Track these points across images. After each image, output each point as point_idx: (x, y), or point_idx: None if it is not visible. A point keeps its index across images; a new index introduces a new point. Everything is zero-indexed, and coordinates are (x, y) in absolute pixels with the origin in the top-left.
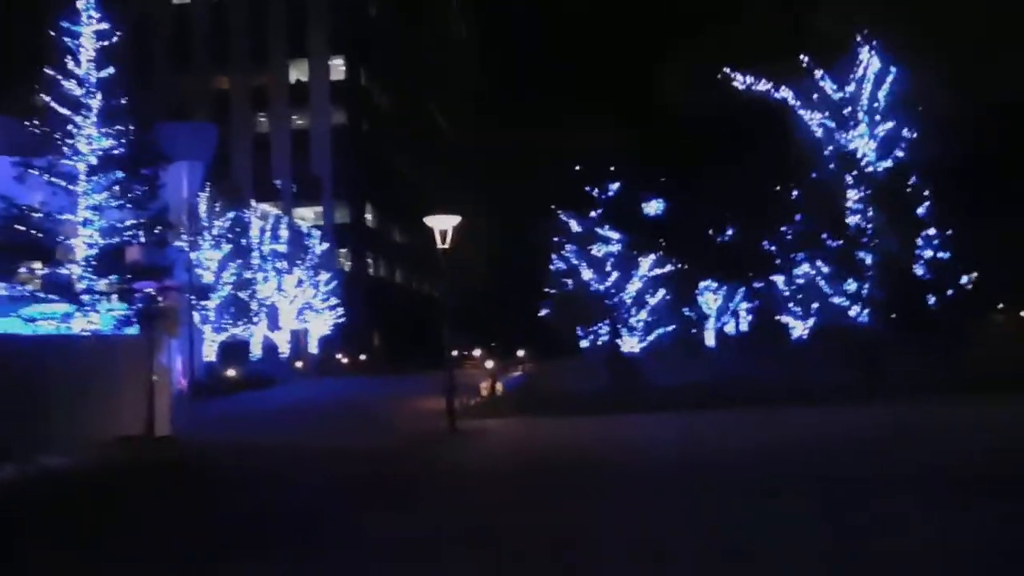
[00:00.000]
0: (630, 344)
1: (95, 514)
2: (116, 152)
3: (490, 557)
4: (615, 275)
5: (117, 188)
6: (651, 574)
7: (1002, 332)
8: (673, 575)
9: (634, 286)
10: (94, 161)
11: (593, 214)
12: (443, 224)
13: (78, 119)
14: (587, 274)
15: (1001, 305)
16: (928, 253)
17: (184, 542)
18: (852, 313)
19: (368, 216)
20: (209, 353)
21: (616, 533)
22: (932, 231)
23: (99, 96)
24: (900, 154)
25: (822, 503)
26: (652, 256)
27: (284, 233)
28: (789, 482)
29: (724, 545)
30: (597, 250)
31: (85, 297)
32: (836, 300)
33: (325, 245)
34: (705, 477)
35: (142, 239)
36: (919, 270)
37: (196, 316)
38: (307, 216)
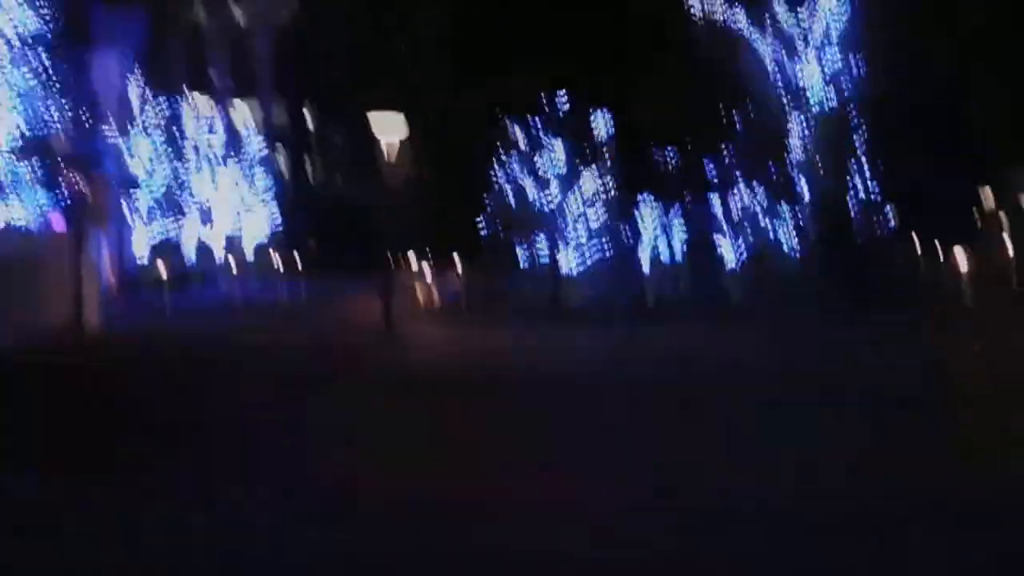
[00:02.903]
0: (567, 259)
1: (16, 399)
2: (41, 33)
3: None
4: (557, 189)
5: (43, 73)
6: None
7: (918, 268)
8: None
9: (575, 201)
10: (17, 42)
11: (540, 124)
12: (387, 124)
13: None
14: (529, 187)
15: (919, 242)
16: (860, 188)
17: (109, 430)
18: (784, 241)
19: (308, 116)
20: (139, 250)
21: (525, 430)
22: (866, 167)
23: None
24: (846, 89)
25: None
26: (596, 172)
27: (220, 129)
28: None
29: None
30: (541, 163)
31: (7, 186)
32: (770, 228)
33: (263, 144)
34: (623, 386)
35: (70, 127)
36: (851, 204)
37: (126, 210)
38: (245, 112)
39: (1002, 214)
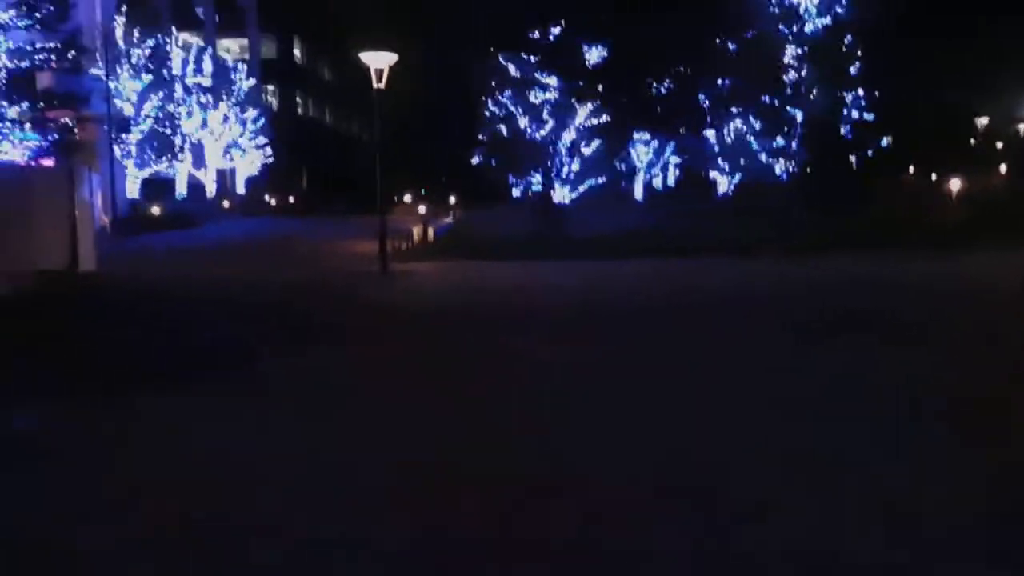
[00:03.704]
0: (561, 194)
1: (13, 337)
2: None
3: (420, 386)
4: (551, 123)
5: (24, 6)
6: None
7: (911, 193)
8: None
9: (569, 135)
10: None
11: (532, 59)
12: (379, 62)
13: None
14: (523, 121)
15: (913, 168)
16: (854, 113)
17: (109, 369)
18: (777, 170)
19: (296, 51)
20: (132, 190)
21: (512, 363)
22: (860, 92)
23: None
24: (840, 11)
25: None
26: (589, 105)
27: (208, 66)
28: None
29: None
30: (534, 97)
31: None
32: (763, 157)
33: (251, 81)
34: (611, 316)
35: (54, 64)
36: (844, 130)
37: (117, 150)
38: (232, 49)
39: (998, 143)
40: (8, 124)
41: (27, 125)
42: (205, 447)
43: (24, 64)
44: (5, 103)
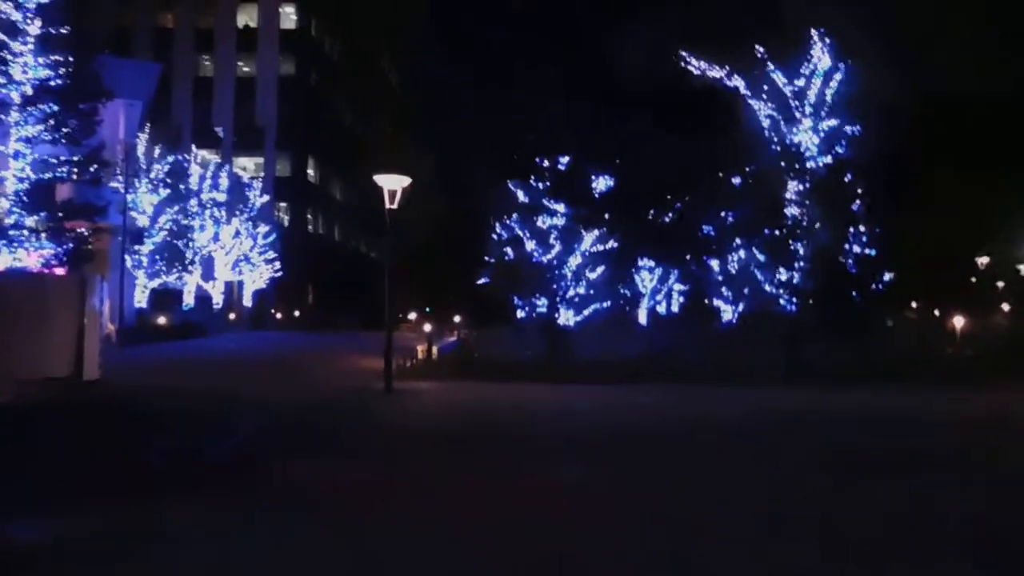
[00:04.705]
0: (566, 317)
1: (18, 448)
2: (53, 83)
3: (422, 506)
4: (558, 248)
5: (52, 121)
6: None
7: (914, 328)
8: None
9: (575, 260)
10: (29, 91)
11: (541, 186)
12: (392, 184)
13: (14, 45)
14: (530, 245)
15: (915, 303)
16: (856, 248)
17: (112, 481)
18: (782, 301)
19: (310, 170)
20: (140, 299)
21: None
22: (862, 228)
23: (38, 22)
24: (840, 150)
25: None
26: (596, 232)
27: (224, 182)
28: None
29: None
30: (542, 222)
31: (13, 233)
32: (767, 288)
33: (265, 197)
34: (606, 443)
35: (76, 176)
36: (847, 264)
37: (128, 260)
38: (248, 166)
39: (999, 283)
40: (25, 232)
41: (43, 234)
42: (200, 563)
43: (47, 176)
44: (24, 212)
